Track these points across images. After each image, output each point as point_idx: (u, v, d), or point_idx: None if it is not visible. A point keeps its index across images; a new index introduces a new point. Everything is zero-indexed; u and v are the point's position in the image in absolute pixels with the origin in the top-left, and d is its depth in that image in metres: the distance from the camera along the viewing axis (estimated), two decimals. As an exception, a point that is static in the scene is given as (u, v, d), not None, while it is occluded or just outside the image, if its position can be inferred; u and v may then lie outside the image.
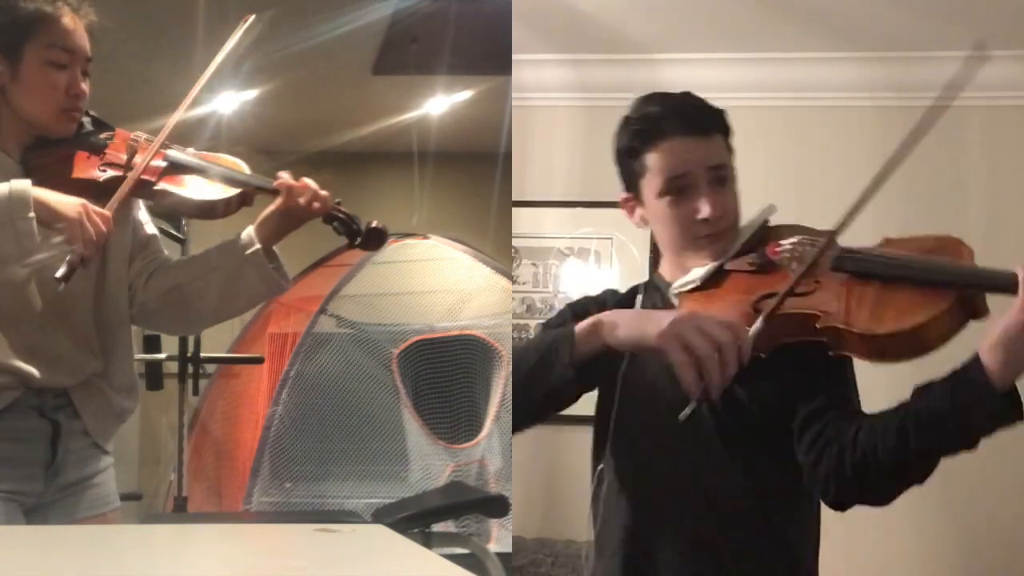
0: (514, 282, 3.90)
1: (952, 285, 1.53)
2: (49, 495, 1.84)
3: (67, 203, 1.70)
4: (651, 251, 3.76)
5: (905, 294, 1.54)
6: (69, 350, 1.82)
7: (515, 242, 3.91)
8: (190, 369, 4.04)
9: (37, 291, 1.80)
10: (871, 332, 1.52)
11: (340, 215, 1.89)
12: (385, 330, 4.66)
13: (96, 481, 1.91)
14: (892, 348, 1.52)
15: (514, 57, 3.66)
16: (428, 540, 3.58)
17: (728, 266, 1.73)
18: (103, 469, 1.93)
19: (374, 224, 1.92)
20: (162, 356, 3.93)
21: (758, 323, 1.55)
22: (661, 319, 1.54)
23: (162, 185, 1.85)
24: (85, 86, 1.83)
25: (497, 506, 3.82)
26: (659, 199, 1.76)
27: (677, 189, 1.74)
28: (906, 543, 3.59)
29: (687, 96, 1.80)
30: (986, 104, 3.63)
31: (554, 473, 3.71)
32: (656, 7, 3.51)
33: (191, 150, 1.91)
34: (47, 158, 1.80)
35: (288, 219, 1.86)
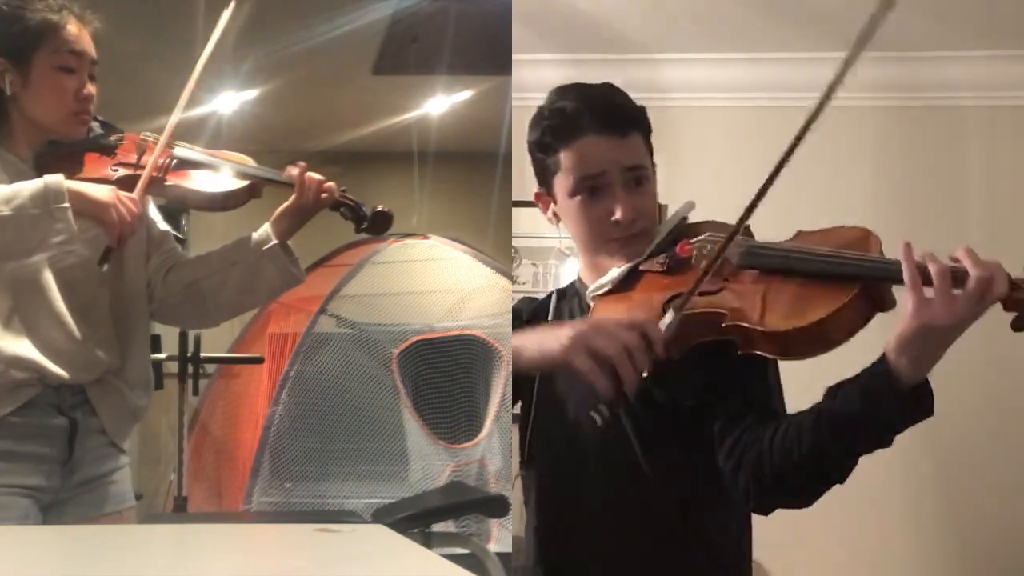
0: (514, 282, 3.90)
1: (856, 278, 1.49)
2: (66, 492, 1.86)
3: (99, 189, 1.77)
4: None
5: (808, 288, 1.51)
6: (87, 347, 1.85)
7: (515, 242, 3.91)
8: (190, 369, 4.04)
9: (56, 287, 1.84)
10: (774, 329, 1.49)
11: (347, 201, 1.97)
12: (385, 330, 4.66)
13: (113, 479, 1.93)
14: (797, 345, 1.48)
15: (514, 57, 3.66)
16: (428, 540, 3.58)
17: (642, 267, 1.69)
18: (119, 467, 1.96)
19: (379, 208, 1.98)
20: (162, 356, 3.93)
21: (669, 316, 1.51)
22: (560, 333, 1.52)
23: (172, 180, 1.91)
24: (92, 89, 1.89)
25: (497, 506, 3.82)
26: (571, 198, 1.72)
27: (590, 189, 1.70)
28: (905, 545, 3.59)
29: (606, 91, 1.75)
30: (986, 104, 3.63)
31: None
32: (656, 7, 3.51)
33: (198, 147, 1.96)
34: (59, 160, 1.85)
35: (302, 213, 1.93)
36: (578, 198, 1.71)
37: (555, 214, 1.79)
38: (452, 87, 5.12)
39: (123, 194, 1.79)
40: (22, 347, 1.79)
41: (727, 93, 3.85)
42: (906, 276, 1.42)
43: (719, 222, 1.71)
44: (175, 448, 4.07)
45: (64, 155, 1.87)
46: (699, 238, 1.66)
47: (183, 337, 4.01)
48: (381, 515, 3.74)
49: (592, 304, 1.72)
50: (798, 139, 1.53)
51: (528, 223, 3.90)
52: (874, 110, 3.72)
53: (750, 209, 1.54)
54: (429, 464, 4.53)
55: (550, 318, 1.80)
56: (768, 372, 1.68)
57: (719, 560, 1.74)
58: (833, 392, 1.52)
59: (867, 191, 3.67)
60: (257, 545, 1.54)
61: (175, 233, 2.10)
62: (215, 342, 4.44)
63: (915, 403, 1.46)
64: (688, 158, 3.69)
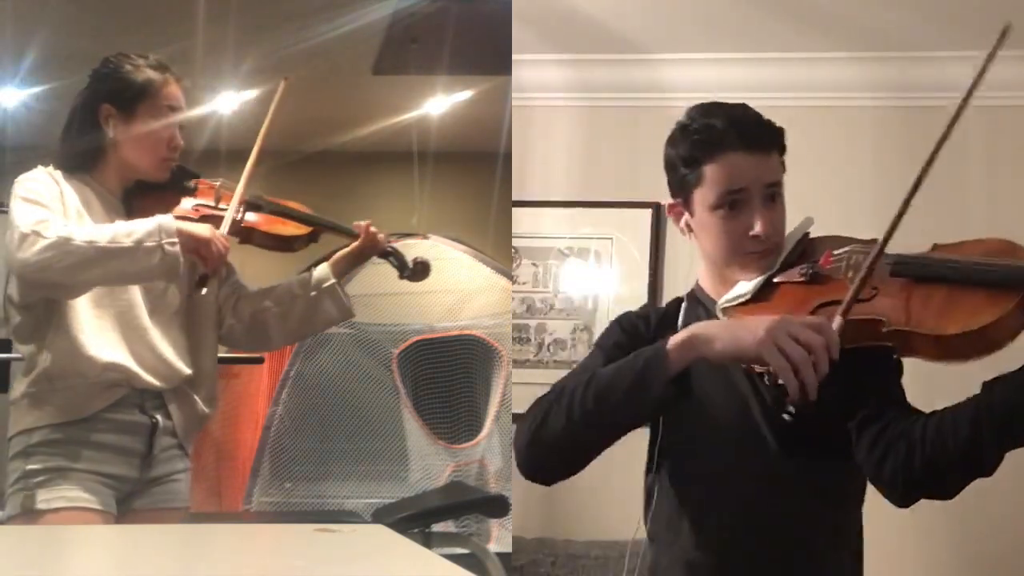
0: (514, 282, 3.90)
1: (1017, 285, 1.56)
2: (140, 484, 2.11)
3: (201, 227, 2.05)
4: (651, 252, 3.76)
5: (971, 295, 1.58)
6: (167, 358, 2.12)
7: (515, 242, 3.91)
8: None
9: (145, 306, 2.11)
10: (941, 333, 1.55)
11: (394, 251, 2.36)
12: (385, 330, 4.66)
13: (177, 477, 2.17)
14: (962, 348, 1.55)
15: (514, 57, 3.66)
16: (428, 540, 3.59)
17: (777, 279, 1.76)
18: (183, 469, 2.20)
19: (419, 258, 2.38)
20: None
21: (837, 321, 1.58)
22: (755, 328, 1.56)
23: (249, 224, 2.22)
24: (181, 139, 2.17)
25: (497, 506, 3.82)
26: (712, 211, 1.78)
27: (731, 203, 1.76)
28: (906, 546, 3.59)
29: (747, 110, 1.82)
30: (986, 104, 3.63)
31: (554, 473, 3.71)
32: (656, 7, 3.51)
33: (266, 197, 2.27)
34: (148, 200, 2.13)
35: (361, 258, 2.30)
36: (719, 211, 1.77)
37: (688, 225, 1.85)
38: (452, 87, 5.12)
39: (218, 232, 2.07)
40: (117, 355, 2.05)
41: (727, 93, 3.83)
42: None
43: (842, 236, 1.80)
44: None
45: (150, 194, 2.14)
46: (843, 250, 1.73)
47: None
48: (381, 515, 3.74)
49: (723, 315, 1.77)
50: (938, 147, 1.74)
51: (528, 223, 3.90)
52: (874, 110, 3.72)
53: (897, 219, 1.64)
54: (429, 464, 4.53)
55: (680, 325, 1.83)
56: (899, 372, 1.75)
57: (857, 558, 1.82)
58: (991, 385, 1.56)
59: (867, 191, 3.67)
60: (257, 545, 1.54)
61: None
62: (215, 342, 4.44)
63: None
64: (688, 158, 3.68)
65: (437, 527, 3.83)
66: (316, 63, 4.51)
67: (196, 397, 2.18)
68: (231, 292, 2.28)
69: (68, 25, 4.08)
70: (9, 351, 3.58)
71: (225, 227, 2.14)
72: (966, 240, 1.72)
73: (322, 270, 2.27)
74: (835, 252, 1.73)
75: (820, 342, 1.52)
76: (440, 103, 5.34)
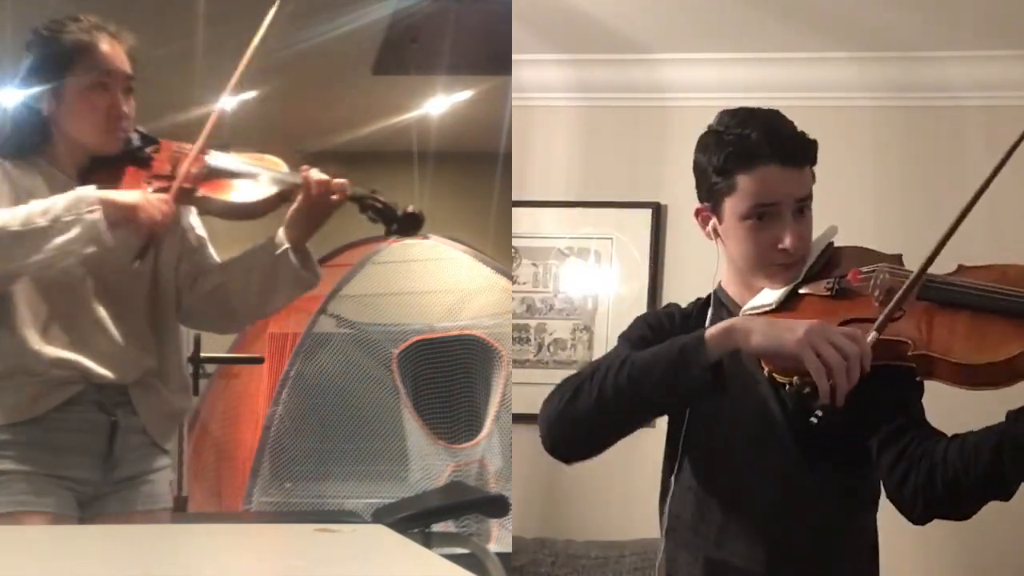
0: (514, 282, 3.90)
1: None
2: (106, 487, 1.97)
3: (128, 193, 1.89)
4: (651, 252, 3.75)
5: (998, 324, 1.60)
6: (125, 347, 1.96)
7: (515, 242, 3.90)
8: (190, 369, 4.04)
9: (95, 292, 1.96)
10: (968, 362, 1.58)
11: (376, 203, 2.03)
12: (385, 330, 4.66)
13: (151, 478, 2.04)
14: (987, 377, 1.58)
15: (514, 57, 3.66)
16: (428, 540, 3.59)
17: (802, 290, 1.78)
18: (159, 468, 2.06)
19: (410, 209, 2.03)
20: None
21: (872, 335, 1.60)
22: (795, 328, 1.58)
23: (202, 192, 2.00)
24: (128, 106, 1.98)
25: (497, 506, 3.82)
26: (741, 221, 1.79)
27: (760, 215, 1.77)
28: (907, 548, 3.59)
29: (782, 121, 1.82)
30: (986, 104, 3.63)
31: (554, 473, 3.71)
32: (656, 7, 3.51)
33: (232, 154, 2.04)
34: (98, 176, 1.94)
35: (311, 213, 1.98)
36: (749, 222, 1.78)
37: (715, 231, 1.85)
38: (452, 87, 5.12)
39: (154, 195, 1.90)
40: (66, 349, 1.91)
41: (727, 93, 3.84)
42: None
43: (866, 248, 1.82)
44: (175, 448, 4.07)
45: (103, 169, 1.96)
46: (870, 268, 1.73)
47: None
48: (381, 515, 3.74)
49: None
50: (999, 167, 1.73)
51: (528, 223, 3.90)
52: (874, 110, 3.72)
53: (940, 246, 1.66)
54: (429, 464, 4.53)
55: (707, 324, 1.83)
56: (921, 393, 1.76)
57: (873, 556, 1.85)
58: (1016, 415, 1.58)
59: (867, 191, 3.67)
60: (257, 545, 1.54)
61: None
62: (215, 342, 4.43)
63: None
64: (688, 159, 3.67)
65: (437, 527, 3.83)
66: (316, 63, 4.51)
67: (165, 390, 2.03)
68: (191, 269, 2.10)
69: (68, 25, 4.08)
70: None
71: (170, 194, 1.94)
72: (993, 264, 1.73)
73: (279, 234, 2.02)
74: (863, 270, 1.74)
75: (856, 351, 1.55)
76: (440, 103, 5.33)
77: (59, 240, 1.82)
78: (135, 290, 2.02)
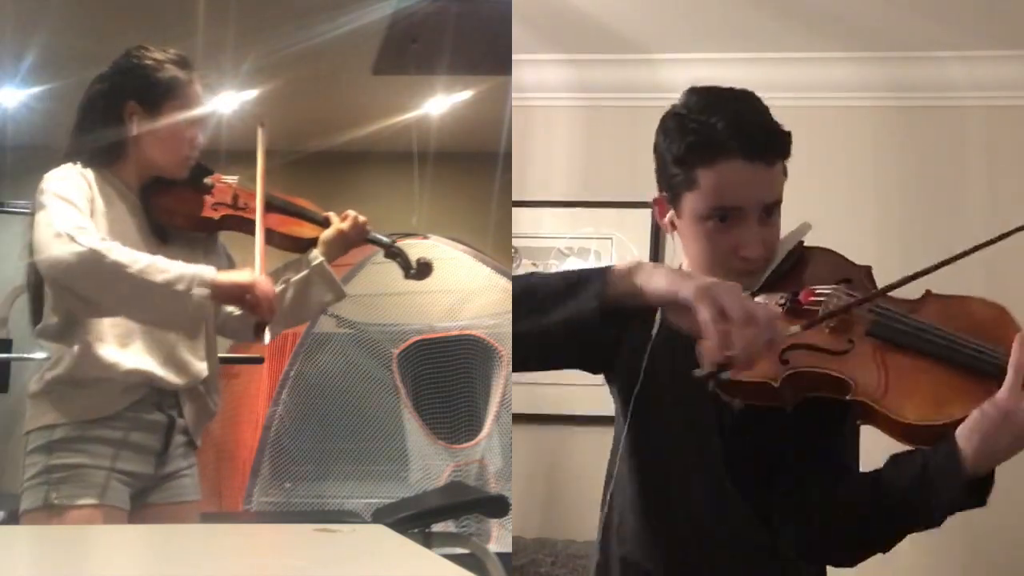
0: (514, 282, 3.90)
1: (995, 376, 1.45)
2: (152, 481, 2.12)
3: (241, 275, 2.06)
4: (651, 252, 3.76)
5: (944, 378, 1.49)
6: (189, 361, 2.13)
7: (515, 242, 3.91)
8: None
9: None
10: (903, 420, 1.46)
11: (400, 251, 2.36)
12: (385, 330, 4.66)
13: (187, 472, 2.19)
14: (922, 436, 1.48)
15: (514, 57, 3.66)
16: (428, 540, 3.59)
17: (758, 299, 1.61)
18: (193, 464, 2.22)
19: (422, 259, 2.38)
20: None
21: (794, 328, 1.48)
22: (702, 279, 1.47)
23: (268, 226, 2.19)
24: (202, 138, 2.16)
25: (497, 506, 3.82)
26: (701, 221, 1.62)
27: (724, 217, 1.60)
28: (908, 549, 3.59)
29: (753, 109, 1.65)
30: (986, 104, 3.63)
31: (554, 473, 3.71)
32: (656, 7, 3.51)
33: (276, 194, 2.25)
34: (166, 197, 2.12)
35: (346, 242, 2.27)
36: (709, 223, 1.61)
37: (672, 224, 1.69)
38: (452, 87, 5.12)
39: (260, 277, 2.06)
40: (141, 360, 2.05)
41: (727, 93, 3.84)
42: (1012, 360, 1.41)
43: (837, 253, 1.68)
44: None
45: (169, 191, 2.13)
46: (825, 291, 1.58)
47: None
48: (381, 515, 3.74)
49: None
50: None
51: (528, 223, 3.90)
52: (874, 110, 3.72)
53: (904, 282, 1.51)
54: (429, 464, 4.53)
55: (654, 331, 1.67)
56: (847, 421, 1.62)
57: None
58: (894, 464, 1.52)
59: (867, 191, 3.67)
60: (257, 545, 1.54)
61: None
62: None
63: (973, 492, 1.45)
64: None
65: (437, 527, 3.83)
66: (316, 63, 4.51)
67: (206, 393, 2.19)
68: None
69: (68, 25, 4.08)
70: (9, 351, 3.57)
71: (259, 261, 2.12)
72: (965, 297, 1.59)
73: (312, 253, 2.26)
74: (817, 290, 1.58)
75: (765, 319, 1.41)
76: (440, 103, 5.33)
77: (161, 303, 1.96)
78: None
